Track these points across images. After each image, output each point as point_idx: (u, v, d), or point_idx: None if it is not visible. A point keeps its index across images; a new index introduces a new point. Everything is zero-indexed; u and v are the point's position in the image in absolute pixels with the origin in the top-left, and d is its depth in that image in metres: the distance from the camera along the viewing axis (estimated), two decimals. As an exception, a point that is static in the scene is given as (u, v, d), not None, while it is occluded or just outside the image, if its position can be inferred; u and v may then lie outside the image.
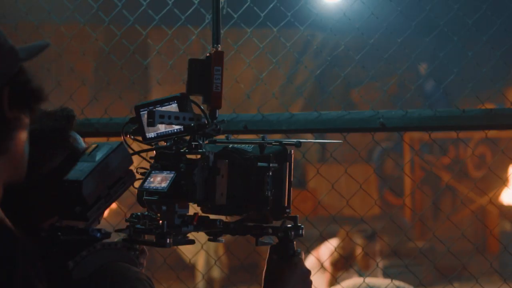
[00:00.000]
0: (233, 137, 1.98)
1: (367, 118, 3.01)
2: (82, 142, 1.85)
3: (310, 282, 1.89)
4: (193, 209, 1.83)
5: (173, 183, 1.72)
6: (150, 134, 1.84)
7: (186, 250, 7.74)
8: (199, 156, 1.78)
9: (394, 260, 6.47)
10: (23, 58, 1.55)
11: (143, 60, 3.58)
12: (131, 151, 1.83)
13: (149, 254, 2.00)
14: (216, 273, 8.17)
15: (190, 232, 1.80)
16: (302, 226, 1.87)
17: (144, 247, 1.99)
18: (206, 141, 1.86)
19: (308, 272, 1.89)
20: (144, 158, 1.89)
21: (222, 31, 1.95)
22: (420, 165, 10.82)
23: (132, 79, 3.47)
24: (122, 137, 1.86)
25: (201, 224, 1.83)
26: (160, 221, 1.75)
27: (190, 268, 8.63)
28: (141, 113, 1.83)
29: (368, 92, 7.40)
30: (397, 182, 10.13)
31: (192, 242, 1.84)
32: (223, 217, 1.87)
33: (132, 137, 1.87)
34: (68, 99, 3.39)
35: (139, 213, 1.82)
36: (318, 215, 9.97)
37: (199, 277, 7.70)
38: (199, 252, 7.27)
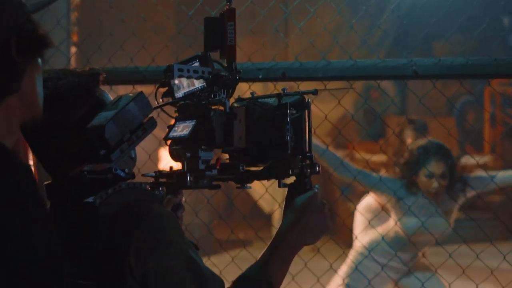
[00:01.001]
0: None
1: (401, 66, 3.00)
2: (109, 96, 1.93)
3: (326, 215, 1.96)
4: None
5: (194, 129, 1.83)
6: (178, 94, 1.93)
7: (264, 203, 7.89)
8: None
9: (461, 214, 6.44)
10: (30, 10, 1.64)
11: (188, 11, 3.62)
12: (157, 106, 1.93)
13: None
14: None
15: (214, 176, 1.89)
16: (318, 163, 1.95)
17: (182, 202, 2.09)
18: (233, 101, 1.96)
19: (323, 205, 1.95)
20: (169, 115, 2.00)
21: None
22: (502, 119, 10.63)
23: (179, 29, 3.54)
24: (155, 100, 1.94)
25: (224, 169, 1.92)
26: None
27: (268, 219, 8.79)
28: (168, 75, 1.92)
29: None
30: (478, 136, 10.02)
31: (218, 187, 1.94)
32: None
33: (162, 99, 1.95)
34: (119, 48, 3.53)
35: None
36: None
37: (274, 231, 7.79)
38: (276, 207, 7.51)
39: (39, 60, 1.68)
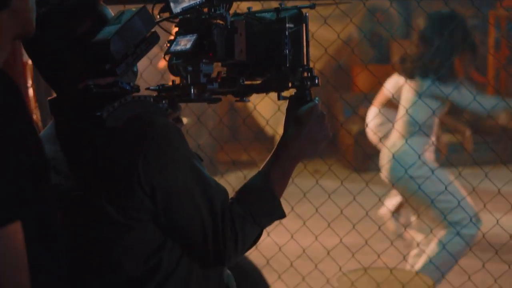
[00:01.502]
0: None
1: None
2: (110, 12, 1.93)
3: (327, 125, 1.99)
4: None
5: (195, 43, 1.83)
6: (176, 9, 1.91)
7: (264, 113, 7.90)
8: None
9: (475, 138, 6.45)
10: None
11: None
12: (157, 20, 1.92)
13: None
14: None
15: (215, 89, 1.92)
16: (318, 76, 1.98)
17: (180, 116, 2.11)
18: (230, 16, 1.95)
19: (323, 115, 1.98)
20: (166, 31, 2.00)
21: None
22: (506, 44, 10.50)
23: None
24: (152, 14, 1.92)
25: (225, 82, 1.95)
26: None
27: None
28: None
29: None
30: (482, 61, 9.91)
31: (218, 100, 1.96)
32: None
33: (159, 14, 1.93)
34: None
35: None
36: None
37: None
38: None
39: None
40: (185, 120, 2.16)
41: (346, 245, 4.11)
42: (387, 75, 5.33)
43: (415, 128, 4.59)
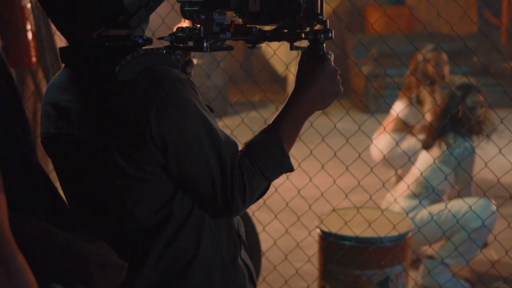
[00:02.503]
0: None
1: None
2: None
3: (339, 80, 1.97)
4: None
5: None
6: None
7: (278, 65, 7.88)
8: None
9: (488, 79, 6.49)
10: None
11: None
12: None
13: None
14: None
15: (227, 38, 1.88)
16: (331, 29, 1.94)
17: (191, 58, 2.09)
18: None
19: (335, 71, 1.96)
20: None
21: None
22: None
23: None
24: None
25: (238, 31, 1.92)
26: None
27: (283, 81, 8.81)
28: None
29: None
30: (497, 2, 9.84)
31: (230, 48, 1.92)
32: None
33: None
34: None
35: (183, 27, 1.92)
36: (414, 31, 9.85)
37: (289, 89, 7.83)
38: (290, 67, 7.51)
39: None
40: (195, 60, 2.14)
41: (340, 187, 4.13)
42: (401, 16, 5.31)
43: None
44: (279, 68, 7.79)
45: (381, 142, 5.73)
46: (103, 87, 1.79)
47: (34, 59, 4.47)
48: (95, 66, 1.81)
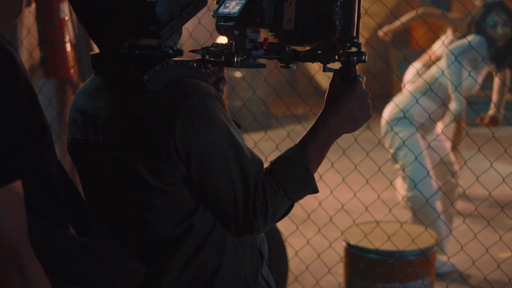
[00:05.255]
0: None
1: None
2: None
3: (369, 104, 1.90)
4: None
5: (244, 8, 1.77)
6: None
7: (322, 80, 7.84)
8: None
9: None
10: None
11: None
12: None
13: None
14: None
15: (260, 56, 1.84)
16: (365, 52, 1.87)
17: (224, 75, 2.06)
18: None
19: (366, 94, 1.89)
20: None
21: None
22: None
23: None
24: None
25: (271, 49, 1.87)
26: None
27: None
28: None
29: None
30: None
31: (263, 66, 1.88)
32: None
33: None
34: None
35: (218, 43, 1.88)
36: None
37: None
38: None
39: None
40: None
41: (384, 201, 4.13)
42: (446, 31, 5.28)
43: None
44: (324, 83, 7.73)
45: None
46: (130, 95, 1.75)
47: (72, 70, 4.46)
48: (124, 74, 1.78)
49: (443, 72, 4.62)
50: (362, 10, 1.85)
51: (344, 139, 3.49)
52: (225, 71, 2.06)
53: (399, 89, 8.01)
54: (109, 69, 1.83)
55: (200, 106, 1.69)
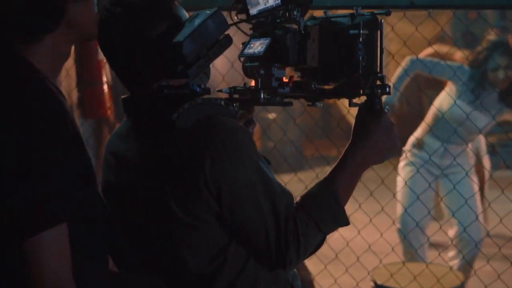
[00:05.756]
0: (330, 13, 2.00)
1: None
2: (184, 12, 1.89)
3: (395, 135, 1.91)
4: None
5: (268, 47, 1.81)
6: (253, 11, 1.88)
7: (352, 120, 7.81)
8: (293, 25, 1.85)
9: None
10: None
11: None
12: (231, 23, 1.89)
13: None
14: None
15: (286, 94, 1.87)
16: (389, 85, 1.89)
17: (253, 117, 2.10)
18: (306, 19, 1.92)
19: (392, 125, 1.90)
20: (243, 32, 1.96)
21: None
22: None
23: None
24: (229, 16, 1.90)
25: (296, 87, 1.90)
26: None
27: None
28: None
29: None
30: None
31: (289, 104, 1.91)
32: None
33: (237, 15, 1.92)
34: None
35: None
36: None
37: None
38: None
39: None
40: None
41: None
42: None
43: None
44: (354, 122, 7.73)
45: None
46: (160, 134, 1.78)
47: (109, 111, 4.53)
48: (154, 114, 1.82)
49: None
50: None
51: (372, 181, 3.56)
52: (253, 113, 2.09)
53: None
54: (139, 110, 1.88)
55: (228, 142, 1.72)
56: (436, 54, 4.84)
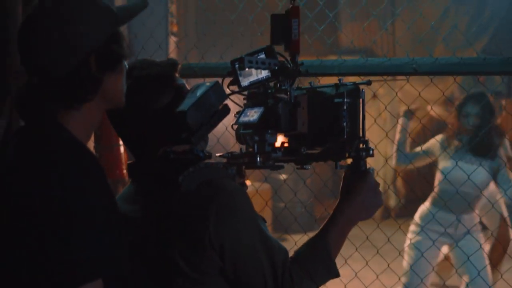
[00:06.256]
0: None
1: (403, 64, 3.18)
2: (186, 85, 2.07)
3: (379, 193, 2.08)
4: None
5: (262, 116, 1.94)
6: (244, 83, 2.03)
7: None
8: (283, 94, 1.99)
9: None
10: (118, 22, 1.80)
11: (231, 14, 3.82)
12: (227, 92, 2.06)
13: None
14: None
15: (278, 158, 2.00)
16: (372, 148, 2.05)
17: (245, 182, 2.22)
18: (294, 88, 2.05)
19: (377, 184, 2.07)
20: (235, 102, 2.10)
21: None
22: None
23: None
24: (221, 84, 2.03)
25: (287, 151, 2.05)
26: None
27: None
28: (236, 66, 2.03)
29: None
30: None
31: (281, 167, 2.04)
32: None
33: (229, 87, 2.06)
34: (211, 46, 3.87)
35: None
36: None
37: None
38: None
39: (124, 63, 1.84)
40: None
41: None
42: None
43: None
44: None
45: None
46: (167, 196, 1.94)
47: (125, 171, 4.64)
48: (160, 177, 1.98)
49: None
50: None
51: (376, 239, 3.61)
52: (246, 176, 2.22)
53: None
54: (146, 174, 2.03)
55: (230, 203, 1.89)
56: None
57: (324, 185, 5.04)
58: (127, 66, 1.88)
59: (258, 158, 1.96)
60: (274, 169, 2.03)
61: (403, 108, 5.14)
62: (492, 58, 3.14)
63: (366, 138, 2.04)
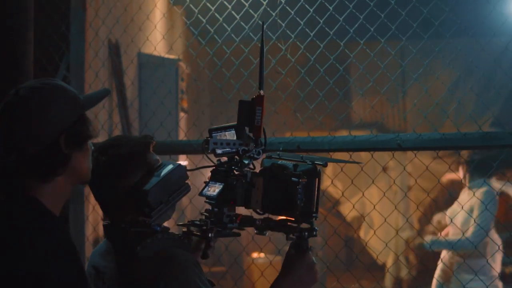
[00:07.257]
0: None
1: (388, 140, 3.37)
2: (156, 157, 2.31)
3: (315, 272, 2.25)
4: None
5: (220, 192, 2.14)
6: (218, 151, 2.21)
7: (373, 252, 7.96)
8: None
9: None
10: (84, 107, 2.04)
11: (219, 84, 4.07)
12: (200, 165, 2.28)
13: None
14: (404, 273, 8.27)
15: (235, 227, 2.17)
16: (317, 228, 2.21)
17: (213, 245, 2.36)
18: (264, 156, 2.24)
19: (313, 264, 2.25)
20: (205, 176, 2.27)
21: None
22: None
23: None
24: (203, 153, 2.22)
25: (244, 222, 2.22)
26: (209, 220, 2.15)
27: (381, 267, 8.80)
28: (213, 134, 2.24)
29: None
30: None
31: (237, 234, 2.22)
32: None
33: (206, 154, 2.22)
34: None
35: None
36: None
37: (387, 277, 7.91)
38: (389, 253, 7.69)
39: (89, 143, 2.07)
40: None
41: None
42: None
43: None
44: (374, 255, 7.90)
45: None
46: (129, 260, 2.19)
47: None
48: (124, 243, 2.23)
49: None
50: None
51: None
52: (215, 240, 2.34)
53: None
54: (115, 236, 2.29)
55: (179, 271, 2.12)
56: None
57: (336, 257, 5.13)
58: (92, 147, 2.13)
59: (209, 234, 2.13)
60: (232, 236, 2.20)
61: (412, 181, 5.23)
62: (472, 133, 3.32)
63: (317, 215, 2.19)
